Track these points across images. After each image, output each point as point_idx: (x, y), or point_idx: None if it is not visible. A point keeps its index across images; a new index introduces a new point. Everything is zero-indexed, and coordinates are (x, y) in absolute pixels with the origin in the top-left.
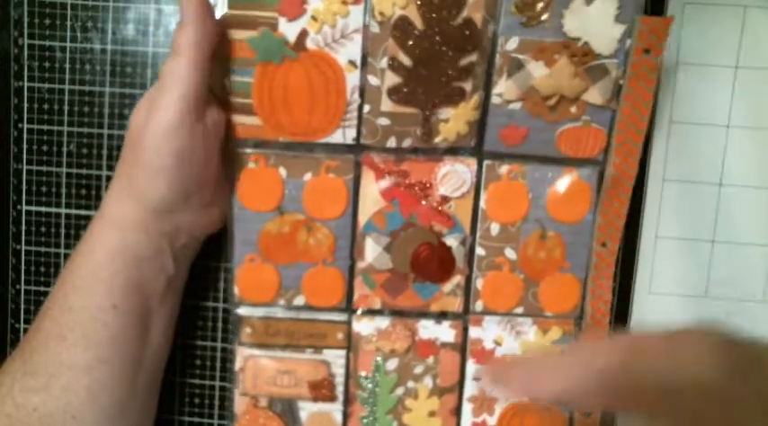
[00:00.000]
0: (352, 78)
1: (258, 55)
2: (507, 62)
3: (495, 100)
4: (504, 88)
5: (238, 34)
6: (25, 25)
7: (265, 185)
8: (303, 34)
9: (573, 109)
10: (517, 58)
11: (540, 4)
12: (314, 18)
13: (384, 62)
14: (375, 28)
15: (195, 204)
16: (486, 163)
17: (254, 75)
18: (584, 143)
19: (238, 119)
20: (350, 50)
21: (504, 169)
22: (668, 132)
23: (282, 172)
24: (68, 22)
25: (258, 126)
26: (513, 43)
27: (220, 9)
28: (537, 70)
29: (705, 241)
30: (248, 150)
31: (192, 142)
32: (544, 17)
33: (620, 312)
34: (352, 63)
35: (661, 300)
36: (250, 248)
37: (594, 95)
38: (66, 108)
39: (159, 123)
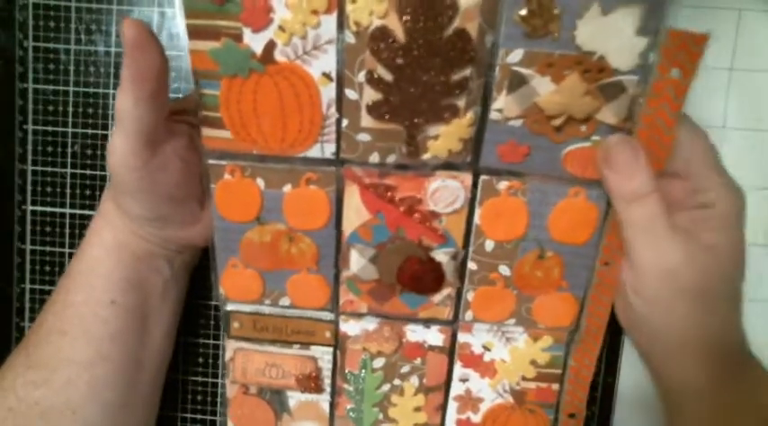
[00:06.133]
0: (328, 91)
1: (221, 68)
2: (508, 76)
3: (493, 115)
4: (503, 104)
5: (199, 44)
6: (30, 28)
7: (242, 196)
8: (270, 46)
9: (582, 128)
10: (519, 73)
11: (549, 13)
12: (281, 29)
13: (362, 76)
14: (350, 39)
15: (175, 224)
16: (482, 178)
17: (219, 88)
18: (593, 164)
19: (208, 132)
20: (323, 63)
21: (502, 185)
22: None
23: (260, 182)
24: (72, 25)
25: (229, 139)
26: (515, 56)
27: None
28: (542, 86)
29: None
30: (223, 162)
31: (149, 174)
32: (553, 27)
33: None
34: (326, 76)
35: None
36: (232, 254)
37: (607, 115)
38: (70, 109)
39: (114, 155)
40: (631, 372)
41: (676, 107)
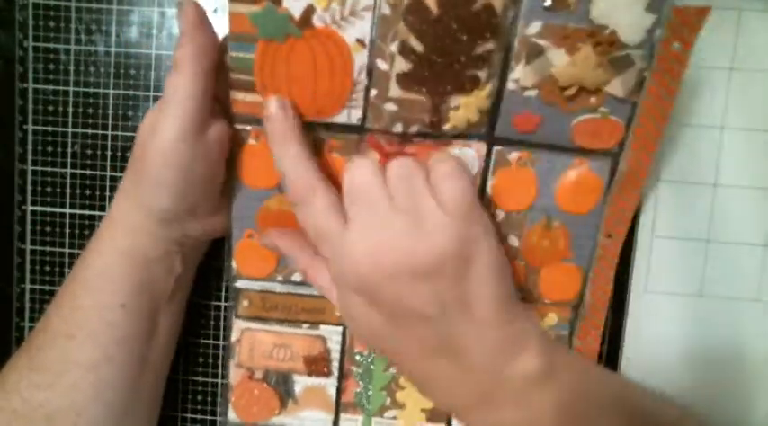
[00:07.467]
0: (360, 58)
1: (259, 31)
2: (526, 48)
3: (510, 85)
4: (521, 74)
5: (239, 7)
6: (30, 28)
7: (266, 162)
8: (309, 10)
9: (592, 99)
10: (537, 44)
11: None
12: None
13: (394, 46)
14: (386, 10)
15: (201, 214)
16: (495, 148)
17: (255, 52)
18: (600, 135)
19: (238, 95)
20: (359, 29)
21: (513, 155)
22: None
23: None
24: (72, 25)
25: (258, 103)
26: (534, 28)
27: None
28: (557, 58)
29: (700, 240)
30: (248, 126)
31: (192, 157)
32: (571, 1)
33: (617, 310)
34: (360, 42)
35: (656, 299)
36: (248, 223)
37: (616, 87)
38: (70, 109)
39: (161, 139)
40: (631, 372)
41: (677, 76)
